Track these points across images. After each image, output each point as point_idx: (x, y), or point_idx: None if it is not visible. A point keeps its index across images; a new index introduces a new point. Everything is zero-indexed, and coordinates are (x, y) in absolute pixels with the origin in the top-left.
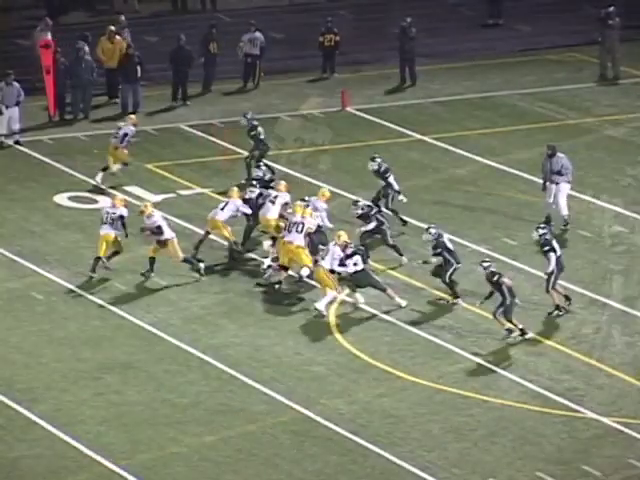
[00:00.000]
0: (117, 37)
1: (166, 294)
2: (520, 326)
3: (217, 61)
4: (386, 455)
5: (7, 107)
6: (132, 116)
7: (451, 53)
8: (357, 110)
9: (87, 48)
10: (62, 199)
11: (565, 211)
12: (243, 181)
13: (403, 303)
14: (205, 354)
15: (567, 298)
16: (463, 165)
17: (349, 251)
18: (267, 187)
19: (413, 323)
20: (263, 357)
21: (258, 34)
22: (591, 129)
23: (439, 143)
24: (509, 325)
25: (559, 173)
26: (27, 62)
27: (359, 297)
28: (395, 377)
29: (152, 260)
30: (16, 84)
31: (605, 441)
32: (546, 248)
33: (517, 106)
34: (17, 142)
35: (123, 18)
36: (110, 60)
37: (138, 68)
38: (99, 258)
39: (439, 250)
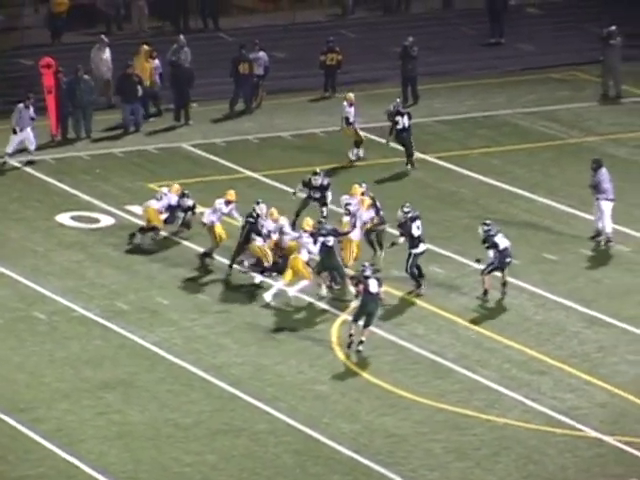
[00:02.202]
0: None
1: (168, 314)
2: (486, 286)
3: (243, 81)
4: (388, 474)
5: (21, 130)
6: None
7: (453, 72)
8: (359, 129)
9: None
10: (64, 219)
11: (608, 229)
12: None
13: (352, 290)
14: (207, 373)
15: (486, 292)
16: (465, 184)
17: (322, 232)
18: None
19: (415, 342)
20: (265, 376)
21: (262, 54)
22: (593, 148)
23: (441, 162)
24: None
25: (596, 189)
26: (28, 82)
27: (324, 289)
28: (397, 396)
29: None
30: (31, 107)
31: (608, 460)
32: (486, 245)
33: (519, 125)
34: (31, 162)
35: (182, 37)
36: (146, 79)
37: (138, 87)
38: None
39: (401, 231)
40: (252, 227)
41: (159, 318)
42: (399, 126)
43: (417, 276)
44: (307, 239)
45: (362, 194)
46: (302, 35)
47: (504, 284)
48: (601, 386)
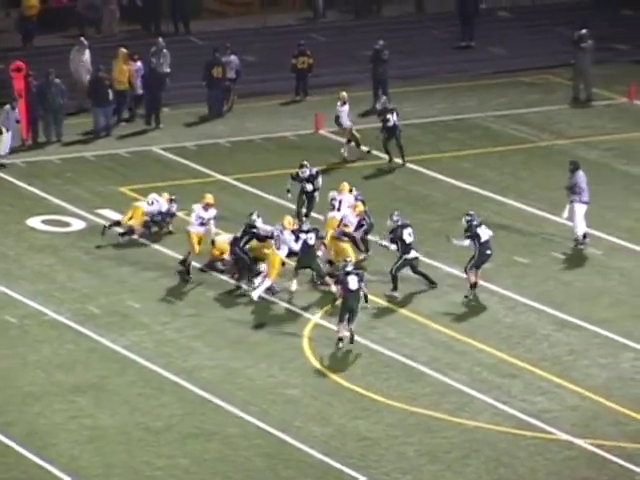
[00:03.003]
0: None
1: (139, 317)
2: (473, 279)
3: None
4: (360, 478)
5: (7, 131)
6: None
7: (424, 75)
8: (330, 133)
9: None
10: (35, 222)
11: (579, 231)
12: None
13: (334, 288)
14: (178, 377)
15: (474, 286)
16: (436, 187)
17: (304, 229)
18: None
19: (387, 345)
20: (237, 380)
21: (234, 57)
22: (564, 151)
23: (412, 165)
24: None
25: (572, 191)
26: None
27: (294, 284)
28: (369, 399)
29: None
30: (17, 109)
31: (579, 463)
32: (467, 234)
33: (490, 128)
34: (2, 165)
35: (161, 40)
36: (121, 83)
37: (109, 91)
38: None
39: (392, 236)
40: (254, 235)
41: (130, 322)
42: (389, 123)
43: (421, 276)
44: (289, 236)
45: (356, 199)
46: (273, 38)
47: (475, 284)
48: (572, 389)
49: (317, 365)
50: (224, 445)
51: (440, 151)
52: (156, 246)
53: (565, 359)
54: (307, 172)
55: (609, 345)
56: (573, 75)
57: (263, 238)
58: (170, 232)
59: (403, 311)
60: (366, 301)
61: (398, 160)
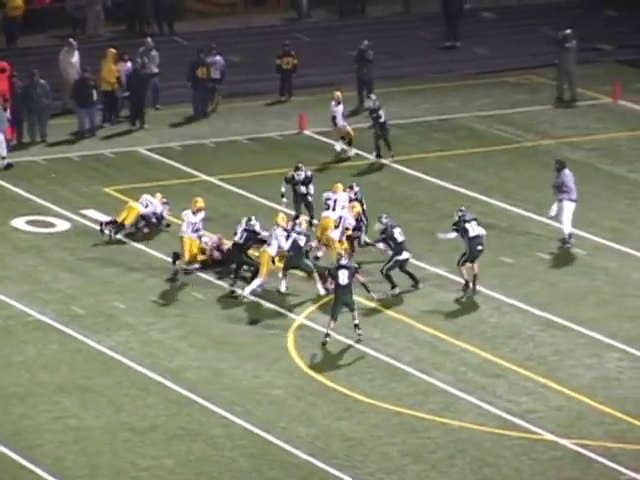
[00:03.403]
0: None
1: (124, 318)
2: (466, 277)
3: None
4: (345, 478)
5: (1, 131)
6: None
7: (408, 75)
8: (315, 133)
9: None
10: (20, 223)
11: (566, 229)
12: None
13: (322, 292)
14: (163, 377)
15: (467, 284)
16: (421, 187)
17: (297, 230)
18: None
19: (371, 345)
20: (222, 380)
21: (218, 58)
22: (548, 151)
23: (397, 165)
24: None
25: (559, 189)
26: None
27: (283, 284)
28: (353, 400)
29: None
30: (8, 109)
31: (564, 463)
32: (454, 227)
33: (475, 128)
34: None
35: (149, 40)
36: (110, 83)
37: (93, 92)
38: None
39: (383, 236)
40: (252, 237)
41: (115, 322)
42: (381, 119)
43: (411, 277)
44: (281, 233)
45: (355, 199)
46: (257, 39)
47: (475, 277)
48: (557, 389)
49: (302, 366)
50: (209, 446)
51: (425, 151)
52: (141, 247)
53: (550, 359)
54: (302, 175)
55: (594, 345)
56: (557, 75)
57: (262, 242)
58: (168, 225)
59: (388, 311)
60: (368, 291)
61: (384, 161)
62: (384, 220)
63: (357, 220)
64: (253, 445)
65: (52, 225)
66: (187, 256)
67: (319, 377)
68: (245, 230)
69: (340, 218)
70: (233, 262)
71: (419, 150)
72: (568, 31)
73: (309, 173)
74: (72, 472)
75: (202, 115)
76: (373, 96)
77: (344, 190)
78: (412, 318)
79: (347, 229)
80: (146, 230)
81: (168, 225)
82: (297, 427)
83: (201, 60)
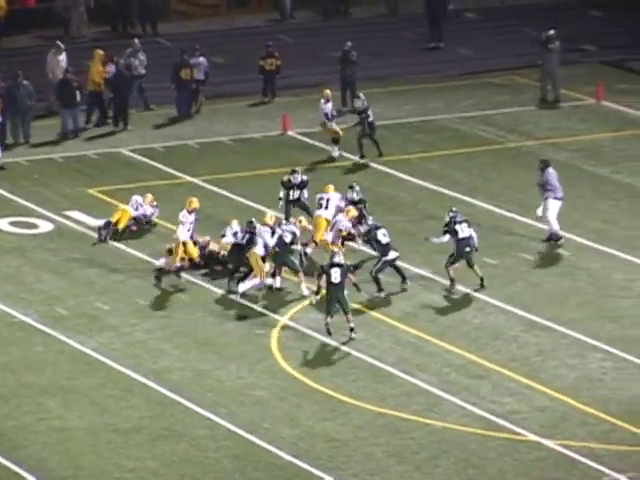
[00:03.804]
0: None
1: (108, 319)
2: (452, 276)
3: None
4: (329, 479)
5: None
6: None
7: (392, 76)
8: (298, 134)
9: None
10: (3, 224)
11: (554, 226)
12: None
13: (305, 292)
14: (147, 379)
15: (452, 284)
16: (404, 188)
17: (283, 228)
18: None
19: (355, 347)
20: (205, 381)
21: (202, 59)
22: (532, 152)
23: (380, 166)
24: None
25: (543, 188)
26: None
27: (278, 280)
28: (337, 401)
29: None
30: None
31: (547, 464)
32: (445, 229)
33: (458, 129)
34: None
35: (137, 41)
36: (97, 85)
37: (77, 93)
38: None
39: (366, 238)
40: (251, 237)
41: (99, 323)
42: (370, 119)
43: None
44: (265, 230)
45: (353, 203)
46: (241, 40)
47: (481, 279)
48: (541, 390)
49: (285, 367)
50: (193, 447)
51: (408, 152)
52: (124, 247)
53: (533, 360)
54: (298, 178)
55: (577, 346)
56: (541, 76)
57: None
58: (154, 225)
59: (372, 312)
60: (359, 291)
61: (367, 162)
62: (370, 222)
63: (353, 225)
64: (237, 446)
65: (35, 226)
66: (186, 259)
67: (303, 378)
68: (248, 232)
69: (335, 221)
70: (231, 263)
71: (402, 151)
72: (551, 32)
73: (305, 177)
74: (56, 473)
75: (185, 116)
76: (362, 95)
77: (350, 187)
78: (396, 319)
79: (340, 231)
80: (134, 228)
81: (154, 225)
82: (281, 428)
83: (185, 61)
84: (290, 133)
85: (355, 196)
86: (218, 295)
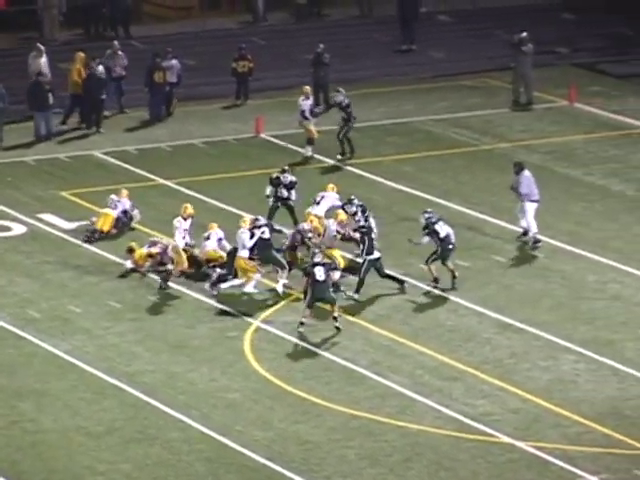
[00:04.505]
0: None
1: (80, 322)
2: (435, 274)
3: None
4: None
5: None
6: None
7: (365, 79)
8: (271, 136)
9: None
10: None
11: (533, 229)
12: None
13: (280, 290)
14: (120, 381)
15: (436, 280)
16: (377, 190)
17: (257, 224)
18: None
19: (328, 349)
20: (178, 384)
21: (175, 62)
22: (505, 154)
23: (353, 169)
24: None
25: (516, 191)
26: None
27: (281, 284)
28: (310, 403)
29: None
30: None
31: (520, 465)
32: (425, 231)
33: (431, 132)
34: None
35: (116, 43)
36: (78, 87)
37: (49, 95)
38: None
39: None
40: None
41: (71, 326)
42: (354, 114)
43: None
44: (243, 234)
45: (342, 208)
46: (213, 42)
47: (453, 273)
48: (513, 392)
49: (258, 369)
50: (165, 450)
51: (381, 155)
52: (98, 250)
53: (506, 362)
54: (288, 178)
55: (550, 348)
56: (513, 78)
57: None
58: (132, 229)
59: (344, 315)
60: (340, 290)
61: (339, 164)
62: (354, 207)
63: (342, 227)
64: (210, 449)
65: (8, 229)
66: (186, 264)
67: (276, 380)
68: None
69: (325, 227)
70: (229, 269)
71: (375, 154)
72: (524, 34)
73: (294, 178)
74: (28, 476)
75: (158, 119)
76: (342, 90)
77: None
78: (369, 321)
79: (335, 236)
80: (114, 231)
81: (132, 229)
82: (254, 431)
83: (157, 64)
84: (263, 135)
85: (353, 210)
86: (190, 298)
